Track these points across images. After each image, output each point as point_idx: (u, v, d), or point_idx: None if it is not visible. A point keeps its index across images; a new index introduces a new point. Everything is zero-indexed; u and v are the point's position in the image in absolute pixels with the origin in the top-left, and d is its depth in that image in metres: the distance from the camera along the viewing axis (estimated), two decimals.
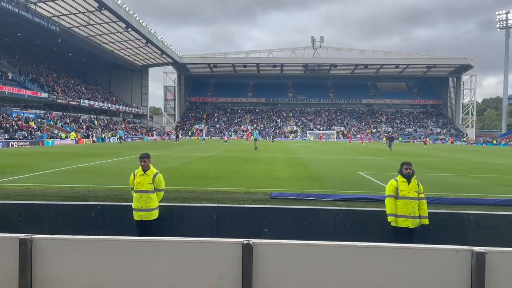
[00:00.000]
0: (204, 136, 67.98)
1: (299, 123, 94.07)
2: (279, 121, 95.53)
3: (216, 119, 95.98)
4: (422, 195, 6.18)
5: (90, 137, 55.69)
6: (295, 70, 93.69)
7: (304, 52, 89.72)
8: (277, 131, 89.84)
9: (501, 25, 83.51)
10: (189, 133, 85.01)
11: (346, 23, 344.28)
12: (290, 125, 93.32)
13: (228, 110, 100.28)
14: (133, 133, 71.81)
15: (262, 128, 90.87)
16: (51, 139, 45.66)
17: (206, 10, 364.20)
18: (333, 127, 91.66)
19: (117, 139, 52.92)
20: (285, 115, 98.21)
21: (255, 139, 37.40)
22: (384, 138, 42.92)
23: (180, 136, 64.35)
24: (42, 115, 55.47)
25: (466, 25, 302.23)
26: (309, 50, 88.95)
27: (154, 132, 72.59)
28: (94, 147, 39.66)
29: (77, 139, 50.01)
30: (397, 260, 3.58)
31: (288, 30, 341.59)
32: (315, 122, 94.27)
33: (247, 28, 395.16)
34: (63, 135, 49.88)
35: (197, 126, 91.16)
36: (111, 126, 68.10)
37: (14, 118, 48.16)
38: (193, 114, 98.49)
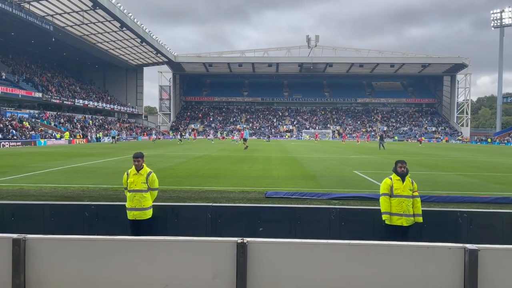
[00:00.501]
0: (211, 135, 66.95)
1: (294, 122, 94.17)
2: (274, 120, 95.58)
3: (211, 119, 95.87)
4: (416, 193, 6.21)
5: (89, 137, 55.56)
6: (291, 69, 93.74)
7: (300, 51, 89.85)
8: (273, 130, 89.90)
9: (495, 24, 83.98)
10: (183, 133, 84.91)
11: (340, 22, 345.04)
12: (286, 124, 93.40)
13: (224, 109, 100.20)
14: (129, 133, 71.58)
15: (258, 128, 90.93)
16: (44, 139, 45.30)
17: (199, 10, 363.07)
18: (329, 126, 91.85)
19: (111, 138, 52.62)
20: (280, 114, 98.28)
21: (245, 139, 36.91)
22: (379, 137, 43.20)
23: (186, 136, 63.77)
24: (36, 115, 55.16)
25: (458, 24, 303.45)
26: (304, 49, 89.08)
27: (153, 131, 71.91)
28: (88, 147, 39.50)
29: (70, 139, 49.70)
30: (391, 258, 3.59)
31: (281, 30, 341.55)
32: (311, 121, 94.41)
33: (241, 27, 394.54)
34: (58, 135, 49.62)
35: (192, 126, 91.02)
36: (106, 126, 67.82)
37: (8, 118, 47.86)
38: (188, 113, 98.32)
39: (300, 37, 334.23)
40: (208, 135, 67.94)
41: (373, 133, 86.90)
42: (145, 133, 75.79)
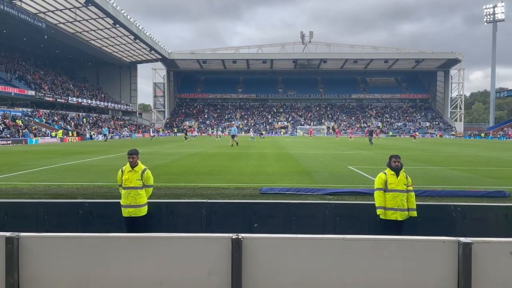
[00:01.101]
0: (220, 133, 64.35)
1: (289, 119, 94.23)
2: (269, 116, 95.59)
3: (206, 116, 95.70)
4: (411, 188, 6.24)
5: (87, 134, 55.27)
6: (285, 66, 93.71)
7: (294, 48, 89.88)
8: (267, 126, 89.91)
9: (488, 19, 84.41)
10: (175, 130, 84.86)
11: (332, 18, 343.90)
12: (281, 121, 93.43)
13: (219, 106, 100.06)
14: (126, 130, 71.28)
15: (252, 124, 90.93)
16: (35, 138, 44.73)
17: (191, 6, 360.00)
18: (323, 122, 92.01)
19: (103, 136, 52.17)
20: (275, 110, 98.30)
21: (233, 135, 36.06)
22: (369, 133, 43.55)
23: (194, 133, 62.16)
24: (30, 113, 54.77)
25: (450, 20, 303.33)
26: (298, 46, 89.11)
27: (151, 129, 71.06)
28: (81, 145, 39.30)
29: (63, 137, 49.30)
30: (385, 252, 3.60)
31: (274, 26, 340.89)
32: (306, 118, 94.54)
33: (233, 23, 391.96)
34: (53, 134, 49.29)
35: (187, 123, 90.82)
36: (100, 124, 67.49)
37: (1, 117, 47.47)
38: (183, 110, 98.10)
39: (293, 33, 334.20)
40: (217, 132, 64.64)
41: (367, 129, 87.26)
42: (139, 131, 75.41)
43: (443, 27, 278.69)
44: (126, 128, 71.88)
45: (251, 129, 74.70)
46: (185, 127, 78.50)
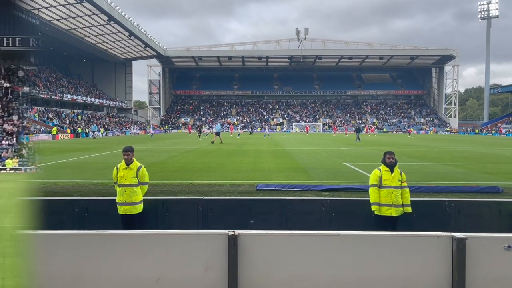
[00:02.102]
0: (238, 130, 59.59)
1: (285, 115, 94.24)
2: (265, 113, 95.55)
3: (202, 112, 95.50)
4: (405, 184, 6.27)
5: (86, 131, 55.09)
6: (281, 62, 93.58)
7: (289, 44, 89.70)
8: (263, 123, 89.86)
9: (482, 16, 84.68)
10: (166, 127, 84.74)
11: (325, 15, 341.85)
12: (276, 118, 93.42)
13: (214, 103, 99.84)
14: (119, 127, 70.97)
15: (248, 121, 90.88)
16: (26, 135, 44.02)
17: (183, 3, 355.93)
18: (319, 118, 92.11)
19: (92, 133, 51.57)
20: (271, 107, 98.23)
21: (217, 132, 35.32)
22: (355, 129, 43.86)
23: (205, 130, 60.47)
24: None
25: (442, 16, 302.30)
26: (294, 42, 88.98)
27: (151, 127, 70.22)
28: (75, 142, 39.09)
29: (55, 134, 48.85)
30: (380, 248, 3.63)
31: (267, 22, 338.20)
32: (301, 114, 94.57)
33: (226, 20, 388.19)
34: (53, 131, 48.98)
35: (182, 120, 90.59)
36: (95, 121, 67.14)
37: None
38: (178, 107, 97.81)
39: (287, 29, 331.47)
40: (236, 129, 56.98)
41: (363, 126, 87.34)
42: (137, 127, 75.08)
43: (435, 23, 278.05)
44: (135, 126, 71.12)
45: (266, 126, 74.11)
46: (199, 124, 77.30)
